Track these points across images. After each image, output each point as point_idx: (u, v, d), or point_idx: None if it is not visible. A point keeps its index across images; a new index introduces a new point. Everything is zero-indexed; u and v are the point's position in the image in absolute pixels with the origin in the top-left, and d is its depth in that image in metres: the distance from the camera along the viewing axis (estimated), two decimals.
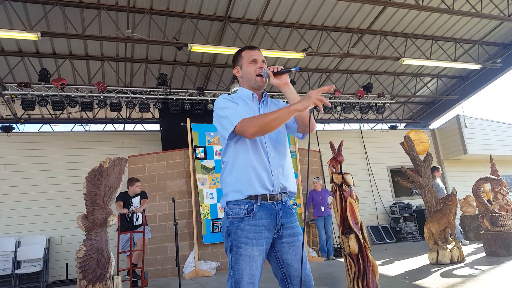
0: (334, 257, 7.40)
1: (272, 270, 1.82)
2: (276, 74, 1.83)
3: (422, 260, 6.01)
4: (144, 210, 5.60)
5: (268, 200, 1.73)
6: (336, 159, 3.90)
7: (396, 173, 10.86)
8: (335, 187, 3.85)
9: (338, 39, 8.93)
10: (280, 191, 1.77)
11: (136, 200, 5.78)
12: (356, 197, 3.87)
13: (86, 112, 8.90)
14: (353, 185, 3.97)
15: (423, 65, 10.61)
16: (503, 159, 12.54)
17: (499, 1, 8.58)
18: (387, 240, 10.01)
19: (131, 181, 5.86)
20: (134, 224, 5.58)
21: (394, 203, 10.67)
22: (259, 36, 8.40)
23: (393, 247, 8.86)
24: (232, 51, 7.65)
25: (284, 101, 2.04)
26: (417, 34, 9.50)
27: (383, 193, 11.05)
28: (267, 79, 1.88)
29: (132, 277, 5.28)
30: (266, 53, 7.90)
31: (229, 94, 1.97)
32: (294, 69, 1.85)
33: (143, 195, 5.88)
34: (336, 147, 4.06)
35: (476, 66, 9.72)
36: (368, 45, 9.20)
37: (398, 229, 10.24)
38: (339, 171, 3.86)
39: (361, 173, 10.92)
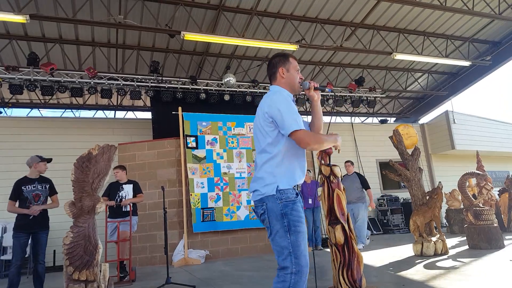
0: (322, 247, 7.52)
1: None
2: (315, 88, 2.24)
3: (407, 251, 6.14)
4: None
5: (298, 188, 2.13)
6: (325, 151, 3.95)
7: (384, 166, 11.00)
8: (323, 179, 3.91)
9: (332, 32, 8.93)
10: None
11: (127, 187, 5.68)
12: (344, 189, 3.94)
13: (76, 98, 8.78)
14: (341, 177, 4.03)
15: (414, 61, 10.69)
16: (489, 155, 12.79)
17: None
18: (374, 232, 10.18)
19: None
20: (123, 210, 5.54)
21: (382, 196, 10.83)
22: (253, 26, 8.36)
23: (380, 238, 9.03)
24: (225, 40, 7.59)
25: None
26: (409, 30, 9.54)
27: (371, 186, 11.16)
28: (304, 90, 2.23)
29: (120, 273, 5.27)
30: (260, 44, 7.87)
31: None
32: (328, 90, 2.39)
33: (137, 187, 5.74)
34: None
35: (466, 63, 9.83)
36: (361, 39, 9.22)
37: (385, 221, 10.42)
38: (328, 163, 3.91)
39: None
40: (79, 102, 9.77)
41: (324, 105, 10.35)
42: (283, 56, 2.24)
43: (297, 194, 2.03)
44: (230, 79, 8.68)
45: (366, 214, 7.30)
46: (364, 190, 7.31)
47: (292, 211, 1.95)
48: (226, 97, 8.86)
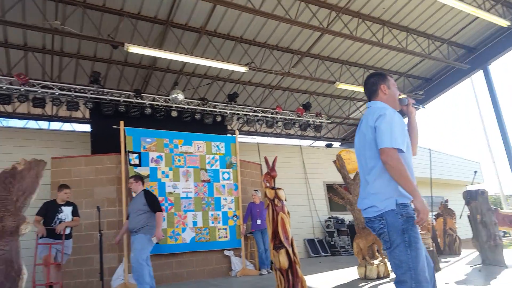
0: (271, 271, 7.23)
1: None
2: (413, 105, 2.36)
3: (353, 274, 6.16)
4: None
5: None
6: (270, 174, 3.95)
7: (331, 189, 11.31)
8: (268, 202, 3.89)
9: (280, 58, 9.21)
10: None
11: (66, 210, 5.36)
12: (288, 212, 3.94)
13: (4, 105, 8.01)
14: (285, 200, 4.04)
15: (355, 90, 11.35)
16: (422, 181, 13.72)
17: (421, 40, 9.61)
18: (322, 253, 10.21)
19: (60, 188, 5.46)
20: (58, 234, 5.12)
21: (329, 217, 10.94)
22: (202, 45, 8.34)
23: (327, 260, 9.04)
24: (173, 56, 7.44)
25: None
26: (351, 62, 10.18)
27: (319, 207, 11.39)
28: (402, 105, 2.35)
29: None
30: (209, 63, 7.85)
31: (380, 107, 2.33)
32: (422, 107, 2.50)
33: (75, 210, 5.46)
34: (271, 162, 4.11)
35: (401, 96, 10.62)
36: (308, 67, 9.61)
37: (332, 242, 10.50)
38: (273, 186, 3.90)
39: (299, 187, 11.22)
40: (7, 110, 8.92)
41: (274, 127, 10.43)
42: (380, 75, 2.35)
43: (413, 210, 2.02)
44: (178, 95, 8.46)
45: (144, 250, 4.71)
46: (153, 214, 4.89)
47: (413, 227, 1.99)
48: (174, 114, 8.61)
